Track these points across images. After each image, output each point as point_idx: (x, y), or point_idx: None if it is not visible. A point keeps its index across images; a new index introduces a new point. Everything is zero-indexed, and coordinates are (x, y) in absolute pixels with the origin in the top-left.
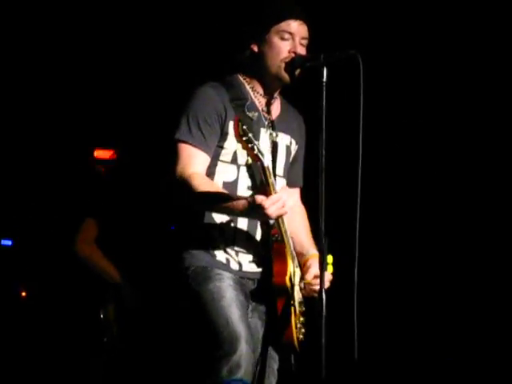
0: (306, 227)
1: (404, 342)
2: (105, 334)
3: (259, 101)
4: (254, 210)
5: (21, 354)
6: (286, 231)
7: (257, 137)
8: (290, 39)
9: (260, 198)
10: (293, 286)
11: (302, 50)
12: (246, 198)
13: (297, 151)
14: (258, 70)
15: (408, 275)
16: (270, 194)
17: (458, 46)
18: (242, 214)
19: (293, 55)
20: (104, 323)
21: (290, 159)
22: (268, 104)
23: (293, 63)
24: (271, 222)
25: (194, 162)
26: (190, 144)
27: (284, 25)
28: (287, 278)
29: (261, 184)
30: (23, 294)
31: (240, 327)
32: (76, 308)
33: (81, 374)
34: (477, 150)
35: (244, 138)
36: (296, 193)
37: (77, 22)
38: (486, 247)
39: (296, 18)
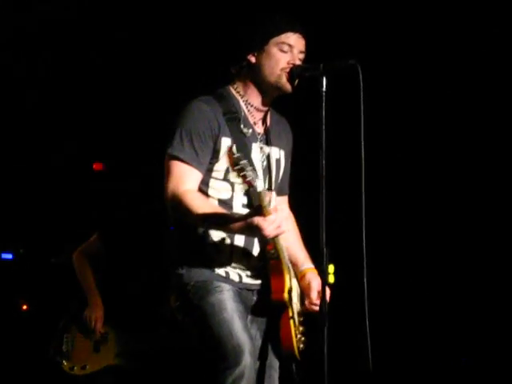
0: (297, 237)
1: (412, 346)
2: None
3: (252, 114)
4: (252, 231)
5: (21, 366)
6: (281, 247)
7: (249, 153)
8: (288, 51)
9: (257, 220)
10: (291, 299)
11: (299, 62)
12: (243, 219)
13: (285, 162)
14: (255, 80)
15: (414, 278)
16: (266, 214)
17: (457, 54)
18: (240, 232)
19: (291, 66)
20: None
21: (281, 172)
22: (261, 117)
23: (292, 73)
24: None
25: (186, 178)
26: (182, 160)
27: (284, 37)
28: (285, 294)
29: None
30: (24, 307)
31: (243, 339)
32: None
33: None
34: (476, 156)
35: (236, 167)
36: (284, 201)
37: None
38: (491, 248)
39: (295, 31)
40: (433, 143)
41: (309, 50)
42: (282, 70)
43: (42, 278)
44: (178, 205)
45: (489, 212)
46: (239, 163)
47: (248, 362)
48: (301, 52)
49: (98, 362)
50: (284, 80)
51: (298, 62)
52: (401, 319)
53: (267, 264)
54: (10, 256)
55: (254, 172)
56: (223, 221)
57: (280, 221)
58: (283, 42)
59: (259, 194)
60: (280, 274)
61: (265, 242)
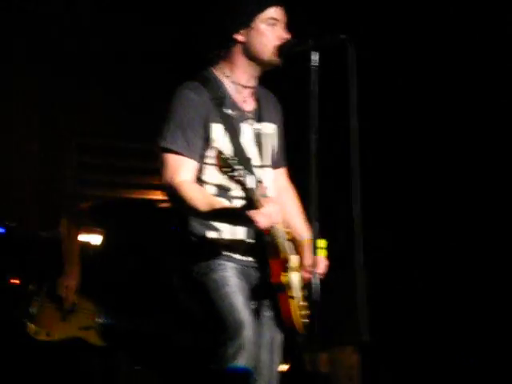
0: (297, 210)
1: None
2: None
3: (240, 93)
4: (246, 223)
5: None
6: (276, 232)
7: (237, 136)
8: (275, 26)
9: (250, 213)
10: (290, 279)
11: (287, 35)
12: (237, 212)
13: (278, 134)
14: (245, 58)
15: (410, 255)
16: (259, 207)
17: (452, 32)
18: (235, 224)
19: (283, 40)
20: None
21: (275, 147)
22: (250, 94)
23: (281, 48)
24: None
25: (181, 169)
26: (175, 152)
27: (268, 12)
28: (282, 278)
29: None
30: (16, 281)
31: (244, 313)
32: None
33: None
34: (472, 134)
35: (224, 169)
36: (282, 174)
37: None
38: (493, 245)
39: (277, 4)
40: (426, 120)
41: (296, 25)
42: (274, 46)
43: (33, 252)
44: (175, 197)
45: (489, 205)
46: (227, 163)
47: (248, 334)
48: (284, 24)
49: (64, 331)
50: (276, 55)
51: (286, 35)
52: (398, 294)
53: (265, 247)
54: (1, 230)
55: (243, 169)
56: (218, 213)
57: (272, 212)
58: (270, 18)
59: (250, 190)
60: (277, 257)
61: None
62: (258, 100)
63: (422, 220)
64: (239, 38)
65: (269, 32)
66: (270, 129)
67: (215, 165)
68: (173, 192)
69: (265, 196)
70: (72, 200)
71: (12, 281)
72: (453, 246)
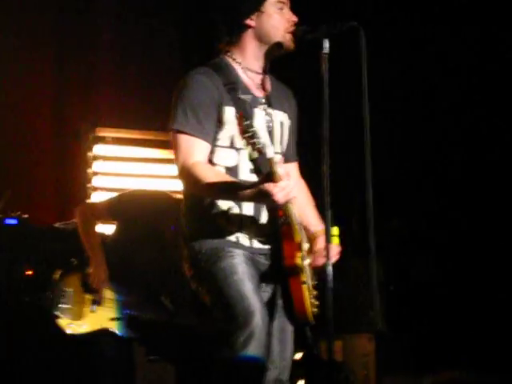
0: (309, 202)
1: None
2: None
3: (252, 79)
4: (262, 197)
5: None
6: (292, 213)
7: (252, 118)
8: (283, 8)
9: (267, 186)
10: (303, 263)
11: (295, 17)
12: (253, 186)
13: (290, 126)
14: (256, 43)
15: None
16: (276, 181)
17: (460, 25)
18: (250, 200)
19: (292, 24)
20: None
21: (285, 135)
22: (261, 81)
23: (293, 35)
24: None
25: (194, 151)
26: (189, 133)
27: None
28: (297, 260)
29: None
30: (29, 272)
31: (254, 300)
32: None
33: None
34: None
35: (246, 135)
36: (294, 168)
37: None
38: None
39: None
40: (439, 107)
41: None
42: (285, 30)
43: (47, 243)
44: (189, 178)
45: (501, 194)
46: (249, 130)
47: (259, 323)
48: (289, 7)
49: (95, 322)
50: (288, 38)
51: (294, 18)
52: (409, 280)
53: (279, 230)
54: (14, 221)
55: (262, 139)
56: (233, 189)
57: (290, 187)
58: (278, 1)
59: (269, 160)
60: (291, 239)
61: (275, 208)
62: (270, 87)
63: (436, 207)
64: (250, 23)
65: (278, 15)
66: (281, 117)
67: (227, 147)
68: (186, 173)
69: (281, 170)
70: (87, 191)
71: (27, 272)
72: (467, 234)
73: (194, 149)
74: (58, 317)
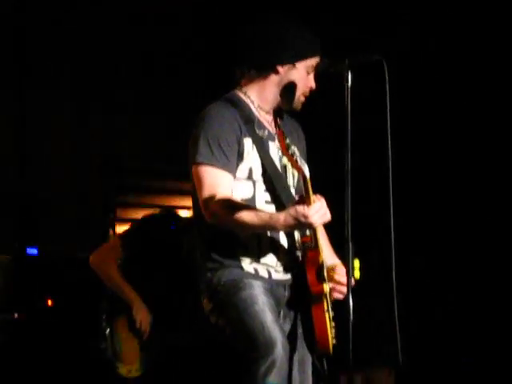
0: (324, 236)
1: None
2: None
3: (263, 117)
4: (298, 221)
5: (46, 362)
6: (319, 238)
7: (268, 152)
8: (310, 74)
9: (303, 209)
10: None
11: (314, 86)
12: (285, 211)
13: (299, 158)
14: (275, 90)
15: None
16: (310, 203)
17: (482, 53)
18: (284, 227)
19: (310, 90)
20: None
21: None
22: (271, 119)
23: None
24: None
25: (220, 184)
26: (215, 166)
27: (313, 61)
28: (324, 286)
29: (282, 194)
30: (49, 302)
31: (275, 331)
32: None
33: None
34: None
35: (290, 152)
36: None
37: None
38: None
39: (320, 54)
40: (459, 140)
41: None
42: (303, 93)
43: (68, 273)
44: (216, 211)
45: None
46: (291, 147)
47: (280, 352)
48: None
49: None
50: (300, 101)
51: (314, 87)
52: (430, 316)
53: (304, 256)
54: (35, 251)
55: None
56: (266, 219)
57: (325, 208)
58: (311, 66)
59: (306, 179)
60: (317, 265)
61: (292, 236)
62: (279, 124)
63: (456, 244)
64: (280, 69)
65: (305, 79)
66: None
67: (244, 178)
68: (213, 207)
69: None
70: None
71: (48, 302)
72: (486, 271)
73: (221, 182)
74: (117, 367)
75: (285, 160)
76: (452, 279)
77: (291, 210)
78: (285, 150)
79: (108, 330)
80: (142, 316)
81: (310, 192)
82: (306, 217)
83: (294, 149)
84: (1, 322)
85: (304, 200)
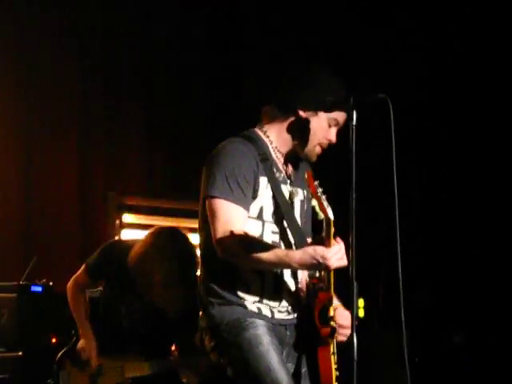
0: None
1: None
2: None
3: (279, 159)
4: (314, 260)
5: None
6: (333, 279)
7: (281, 193)
8: (332, 127)
9: (322, 249)
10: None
11: (334, 140)
12: (302, 249)
13: (307, 201)
14: (294, 134)
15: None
16: (330, 245)
17: (488, 82)
18: (298, 265)
19: (328, 143)
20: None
21: (304, 211)
22: (284, 160)
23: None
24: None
25: (234, 218)
26: (231, 201)
27: (339, 115)
28: (332, 324)
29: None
30: (53, 340)
31: (281, 372)
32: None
33: None
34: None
35: (318, 194)
36: None
37: None
38: None
39: (346, 111)
40: (464, 176)
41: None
42: (320, 144)
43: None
44: (229, 246)
45: None
46: (319, 190)
47: None
48: (338, 129)
49: None
50: (316, 152)
51: (334, 141)
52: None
53: (315, 297)
54: (39, 289)
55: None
56: (282, 256)
57: (343, 252)
58: (335, 119)
59: (330, 221)
60: (328, 308)
61: (310, 275)
62: (291, 165)
63: (463, 279)
64: (302, 114)
65: (326, 130)
66: (300, 196)
67: (255, 217)
68: (226, 242)
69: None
70: None
71: (53, 339)
72: (496, 304)
73: (236, 217)
74: None
75: (302, 200)
76: (458, 314)
77: (309, 249)
78: (315, 192)
79: (59, 368)
80: (87, 346)
81: (331, 235)
82: (324, 258)
83: (321, 191)
84: (5, 360)
85: (323, 241)
